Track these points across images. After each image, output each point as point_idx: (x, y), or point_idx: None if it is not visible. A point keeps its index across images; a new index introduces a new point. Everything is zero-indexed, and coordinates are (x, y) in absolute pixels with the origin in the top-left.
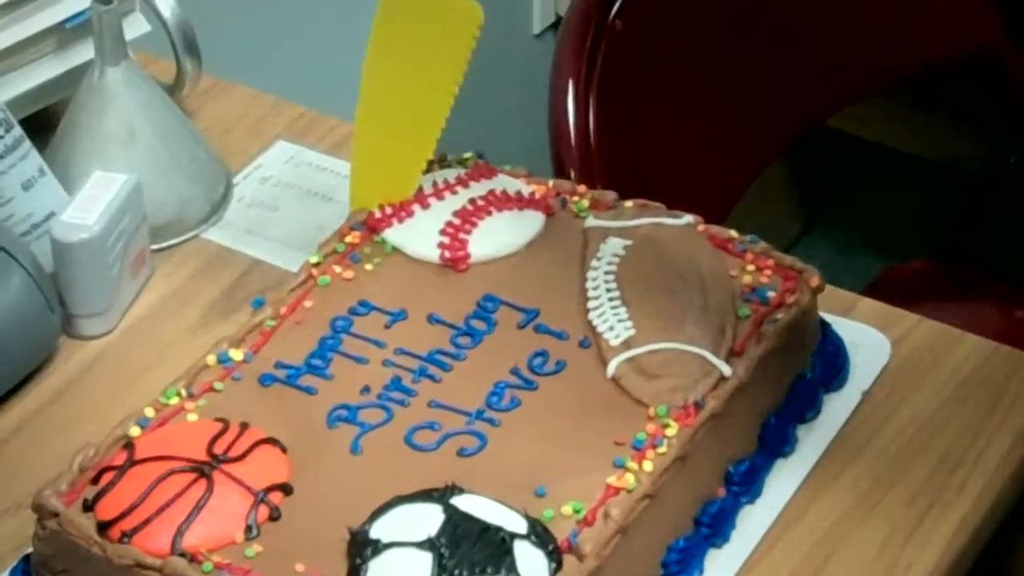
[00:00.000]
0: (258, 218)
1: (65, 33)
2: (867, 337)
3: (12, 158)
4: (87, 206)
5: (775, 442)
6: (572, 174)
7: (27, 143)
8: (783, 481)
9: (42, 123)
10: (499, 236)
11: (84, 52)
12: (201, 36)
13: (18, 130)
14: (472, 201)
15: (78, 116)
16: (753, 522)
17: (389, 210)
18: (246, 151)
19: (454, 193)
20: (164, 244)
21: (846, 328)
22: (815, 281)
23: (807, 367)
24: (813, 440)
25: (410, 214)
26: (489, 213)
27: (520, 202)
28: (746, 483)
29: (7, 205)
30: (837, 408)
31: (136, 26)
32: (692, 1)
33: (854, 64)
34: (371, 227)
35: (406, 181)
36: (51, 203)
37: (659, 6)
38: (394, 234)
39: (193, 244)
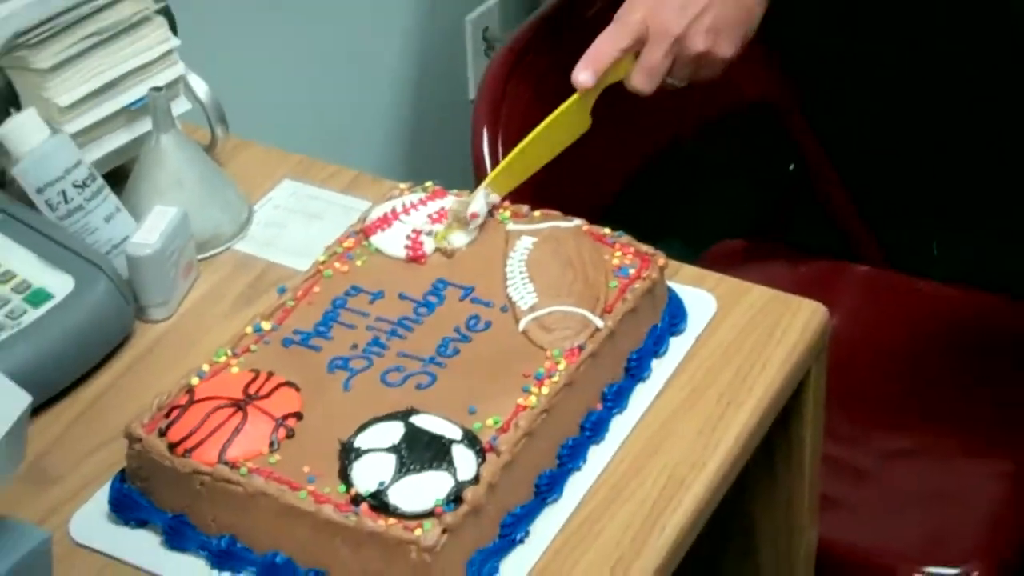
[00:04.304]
0: (272, 234)
1: (131, 112)
2: (701, 299)
3: (97, 200)
4: (151, 231)
5: (637, 371)
6: None
7: (107, 189)
8: (643, 397)
9: (117, 176)
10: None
11: (144, 125)
12: (227, 108)
13: (100, 181)
14: (429, 216)
15: (142, 170)
16: (622, 426)
17: (377, 221)
18: (262, 187)
19: (417, 209)
20: (206, 255)
21: (687, 293)
22: (661, 261)
23: (658, 320)
24: (663, 368)
25: (390, 224)
26: (440, 223)
27: None
28: (616, 400)
29: (95, 233)
30: (679, 347)
31: (181, 105)
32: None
33: (669, 119)
34: (365, 233)
35: (520, 180)
36: (125, 230)
37: (549, 61)
38: (378, 239)
39: (226, 254)
